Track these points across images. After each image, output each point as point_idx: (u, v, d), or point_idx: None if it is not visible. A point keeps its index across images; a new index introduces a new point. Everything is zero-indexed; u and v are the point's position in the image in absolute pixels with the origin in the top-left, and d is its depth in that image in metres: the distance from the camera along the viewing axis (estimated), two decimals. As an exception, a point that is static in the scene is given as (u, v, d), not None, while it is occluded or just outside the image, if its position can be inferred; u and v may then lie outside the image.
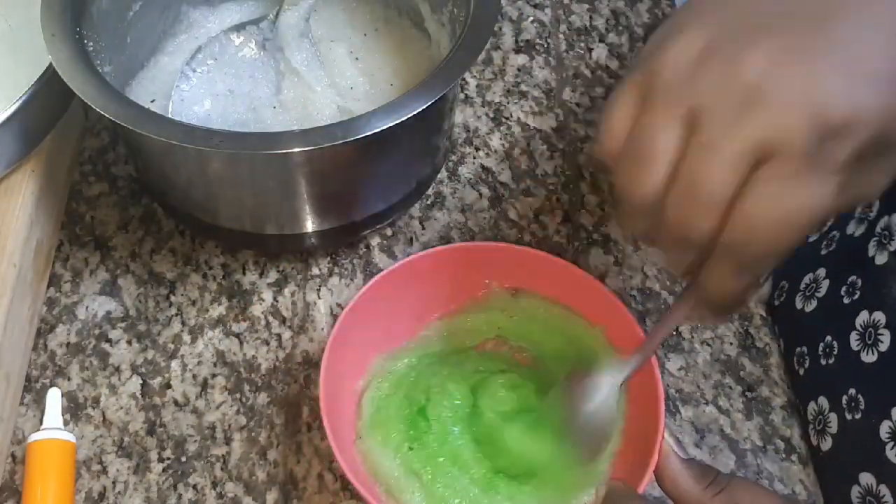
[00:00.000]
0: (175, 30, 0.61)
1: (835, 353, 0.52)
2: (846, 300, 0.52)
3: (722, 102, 0.32)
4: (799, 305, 0.56)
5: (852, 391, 0.50)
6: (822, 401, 0.53)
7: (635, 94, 0.35)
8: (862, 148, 0.32)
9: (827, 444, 0.52)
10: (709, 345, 0.56)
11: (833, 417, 0.52)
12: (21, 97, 0.51)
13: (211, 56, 0.60)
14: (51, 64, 0.49)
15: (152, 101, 0.57)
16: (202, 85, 0.59)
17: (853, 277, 0.53)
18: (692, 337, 0.56)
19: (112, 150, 0.63)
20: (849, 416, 0.51)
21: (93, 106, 0.46)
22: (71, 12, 0.51)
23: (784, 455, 0.52)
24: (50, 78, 0.51)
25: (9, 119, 0.51)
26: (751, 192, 0.32)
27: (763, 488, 0.41)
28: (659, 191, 0.34)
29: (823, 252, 0.57)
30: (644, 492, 0.42)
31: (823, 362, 0.53)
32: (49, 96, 0.53)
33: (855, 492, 0.50)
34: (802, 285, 0.57)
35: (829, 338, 0.53)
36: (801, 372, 0.55)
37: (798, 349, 0.56)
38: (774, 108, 0.32)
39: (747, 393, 0.54)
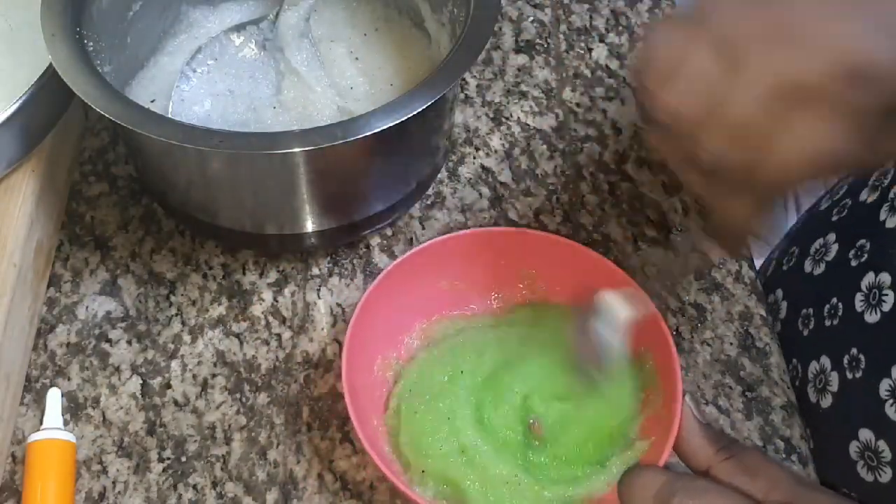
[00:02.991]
0: (175, 30, 0.61)
1: (839, 313, 0.53)
2: (853, 262, 0.53)
3: (758, 38, 0.34)
4: (808, 269, 0.58)
5: (854, 351, 0.51)
6: (825, 360, 0.54)
7: (677, 24, 0.37)
8: (889, 99, 0.33)
9: (827, 402, 0.53)
10: (709, 345, 0.56)
11: (834, 376, 0.53)
12: (21, 97, 0.51)
13: (211, 56, 0.60)
14: (51, 64, 0.49)
15: (152, 101, 0.57)
16: (202, 85, 0.59)
17: (862, 241, 0.54)
18: (692, 337, 0.56)
19: (112, 150, 0.63)
20: (850, 375, 0.52)
21: (93, 106, 0.46)
22: (71, 12, 0.51)
23: (784, 455, 0.52)
24: (50, 78, 0.51)
25: (9, 119, 0.51)
26: (785, 132, 0.34)
27: (775, 462, 0.41)
28: (689, 108, 0.35)
29: (835, 219, 0.58)
30: (669, 456, 0.43)
31: (828, 323, 0.54)
32: (49, 96, 0.53)
33: (853, 447, 0.51)
34: (812, 250, 0.58)
35: (834, 299, 0.54)
36: (806, 333, 0.56)
37: (804, 311, 0.57)
38: (807, 48, 0.33)
39: (747, 393, 0.54)
